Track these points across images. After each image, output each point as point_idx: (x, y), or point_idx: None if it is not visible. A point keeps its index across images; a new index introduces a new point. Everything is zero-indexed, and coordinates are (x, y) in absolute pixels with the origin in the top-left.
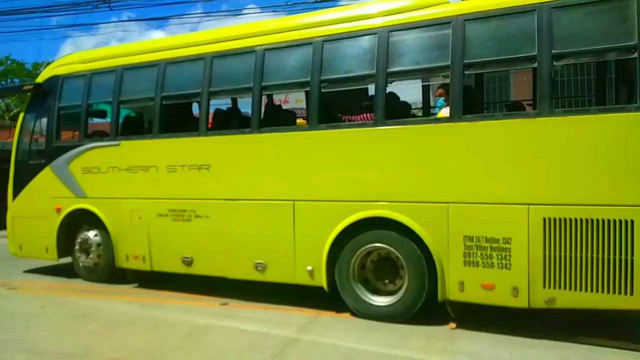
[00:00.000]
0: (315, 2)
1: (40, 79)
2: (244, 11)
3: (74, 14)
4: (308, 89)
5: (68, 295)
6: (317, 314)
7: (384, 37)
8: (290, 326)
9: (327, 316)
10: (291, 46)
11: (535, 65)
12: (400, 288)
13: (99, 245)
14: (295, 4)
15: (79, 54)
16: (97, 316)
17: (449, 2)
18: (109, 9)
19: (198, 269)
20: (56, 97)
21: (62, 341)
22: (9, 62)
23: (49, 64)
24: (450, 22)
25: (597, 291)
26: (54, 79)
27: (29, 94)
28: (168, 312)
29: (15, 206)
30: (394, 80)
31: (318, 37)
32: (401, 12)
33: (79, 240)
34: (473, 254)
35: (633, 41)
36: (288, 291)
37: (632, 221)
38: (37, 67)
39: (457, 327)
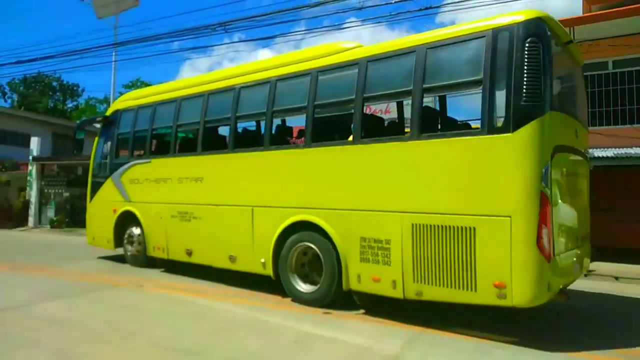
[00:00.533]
0: (419, 9)
1: (107, 112)
2: (344, 25)
3: (193, 38)
4: (264, 119)
5: (187, 295)
6: (421, 331)
7: (315, 76)
8: (394, 341)
9: (432, 333)
10: (251, 87)
11: (410, 97)
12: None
13: (139, 237)
14: (398, 13)
15: (134, 92)
16: (213, 316)
17: (362, 46)
18: (225, 31)
19: (195, 259)
20: (116, 126)
21: (183, 338)
22: (138, 83)
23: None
24: (357, 64)
25: (452, 287)
26: (115, 112)
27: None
28: (273, 316)
29: (90, 207)
30: (320, 111)
31: (273, 77)
32: (325, 56)
33: (126, 234)
34: (366, 252)
35: (479, 76)
36: (386, 303)
37: (474, 228)
38: None
39: (365, 313)
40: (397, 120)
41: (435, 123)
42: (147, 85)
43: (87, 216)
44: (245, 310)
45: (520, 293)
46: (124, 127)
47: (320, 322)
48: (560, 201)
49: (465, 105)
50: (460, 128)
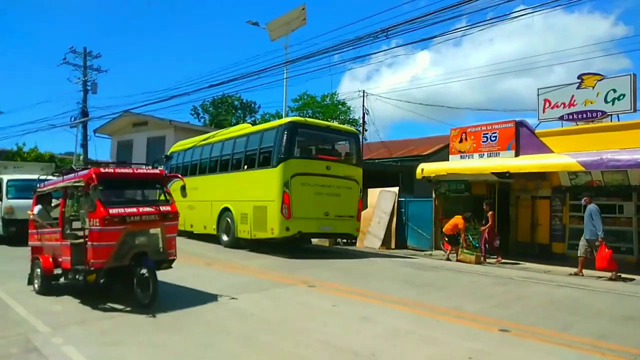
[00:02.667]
0: None
1: (168, 152)
2: (512, 14)
3: (354, 48)
4: (216, 158)
5: (353, 297)
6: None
7: (233, 140)
8: None
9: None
10: (211, 144)
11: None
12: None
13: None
14: None
15: (179, 143)
16: (379, 322)
17: (250, 126)
18: (386, 37)
19: (194, 229)
20: (171, 160)
21: (352, 340)
22: (305, 97)
23: (332, 95)
24: (245, 135)
25: (263, 231)
26: (172, 153)
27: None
28: (442, 328)
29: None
30: (235, 155)
31: (217, 140)
32: (239, 131)
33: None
34: (242, 219)
35: (272, 144)
36: (574, 321)
37: (266, 206)
38: (324, 99)
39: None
40: (252, 161)
41: (258, 163)
42: (311, 97)
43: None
44: (412, 318)
45: (276, 232)
46: (174, 160)
47: (496, 340)
48: (300, 195)
49: (266, 156)
50: (264, 165)
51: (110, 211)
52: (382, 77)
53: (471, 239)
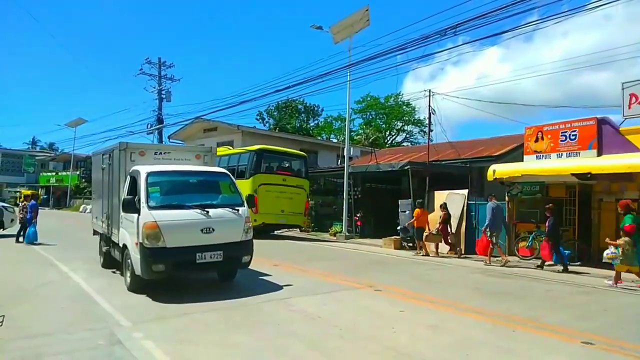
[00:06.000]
0: None
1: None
2: (590, 5)
3: (418, 47)
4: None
5: (421, 304)
6: None
7: (227, 157)
8: None
9: None
10: (227, 156)
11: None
12: None
13: None
14: None
15: (220, 148)
16: (452, 330)
17: (231, 149)
18: (454, 34)
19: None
20: (218, 163)
21: (421, 348)
22: (368, 98)
23: (397, 95)
24: (237, 153)
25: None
26: (219, 157)
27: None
28: (519, 339)
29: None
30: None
31: (225, 155)
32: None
33: None
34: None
35: (247, 163)
36: None
37: (244, 201)
38: (388, 99)
39: None
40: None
41: (236, 175)
42: (374, 99)
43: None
44: (486, 327)
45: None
46: (221, 164)
47: (579, 354)
48: (264, 198)
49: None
50: (242, 176)
51: None
52: (446, 76)
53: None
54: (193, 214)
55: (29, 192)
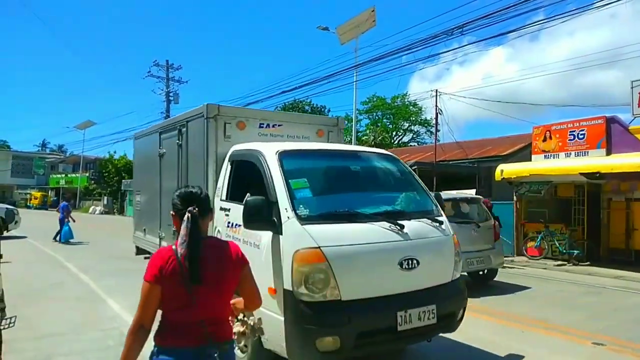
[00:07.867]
0: None
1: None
2: (596, 4)
3: (425, 48)
4: None
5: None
6: None
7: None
8: None
9: None
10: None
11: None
12: None
13: None
14: None
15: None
16: (458, 330)
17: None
18: (461, 34)
19: None
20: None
21: (427, 346)
22: (374, 99)
23: (403, 96)
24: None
25: None
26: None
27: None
28: (528, 340)
29: None
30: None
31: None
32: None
33: None
34: None
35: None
36: None
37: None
38: (394, 100)
39: None
40: None
41: None
42: (381, 99)
43: None
44: (497, 329)
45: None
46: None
47: (589, 355)
48: None
49: None
50: None
51: None
52: (452, 76)
53: (557, 244)
54: (380, 232)
55: (38, 194)
